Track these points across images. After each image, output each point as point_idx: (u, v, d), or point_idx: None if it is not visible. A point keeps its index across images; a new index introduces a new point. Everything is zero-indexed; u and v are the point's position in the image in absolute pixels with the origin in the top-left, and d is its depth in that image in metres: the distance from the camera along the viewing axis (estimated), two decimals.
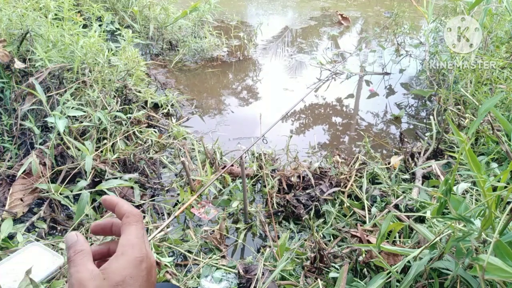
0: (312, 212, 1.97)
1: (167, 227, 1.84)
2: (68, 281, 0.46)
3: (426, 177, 2.15)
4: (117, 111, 2.49)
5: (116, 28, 3.91)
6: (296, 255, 1.70)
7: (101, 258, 0.54)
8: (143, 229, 0.53)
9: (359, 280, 1.42)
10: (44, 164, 2.04)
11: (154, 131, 2.64)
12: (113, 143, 2.36)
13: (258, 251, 1.81)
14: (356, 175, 2.20)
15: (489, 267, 0.91)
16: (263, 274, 1.56)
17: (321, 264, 1.57)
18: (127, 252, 0.49)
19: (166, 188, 2.18)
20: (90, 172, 2.04)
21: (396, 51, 4.38)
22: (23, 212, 1.92)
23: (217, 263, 1.68)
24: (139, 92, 2.93)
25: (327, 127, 3.02)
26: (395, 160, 2.29)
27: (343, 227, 1.86)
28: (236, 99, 3.42)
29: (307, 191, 2.06)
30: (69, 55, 2.48)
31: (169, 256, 1.73)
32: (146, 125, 2.73)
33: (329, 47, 4.78)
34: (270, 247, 1.75)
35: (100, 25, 2.81)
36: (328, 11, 6.44)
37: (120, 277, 0.46)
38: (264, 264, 1.62)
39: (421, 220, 1.80)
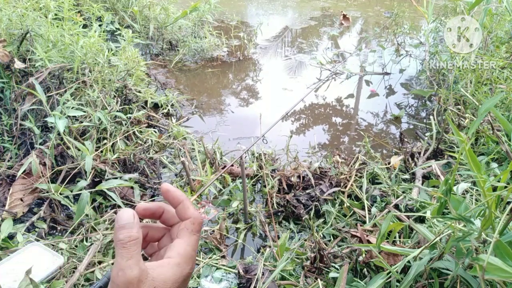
0: (312, 212, 1.97)
1: None
2: (114, 272, 0.42)
3: (426, 177, 2.15)
4: (117, 111, 2.49)
5: (116, 28, 3.91)
6: (296, 255, 1.70)
7: None
8: None
9: (359, 280, 1.42)
10: (44, 164, 2.04)
11: (154, 131, 2.64)
12: (113, 143, 2.36)
13: (258, 251, 1.81)
14: (356, 175, 2.20)
15: (489, 267, 0.91)
16: (263, 274, 1.56)
17: (321, 264, 1.57)
18: (182, 265, 0.46)
19: None
20: (90, 172, 2.04)
21: (396, 51, 4.38)
22: (23, 212, 1.92)
23: (217, 263, 1.68)
24: (139, 92, 2.93)
25: (327, 127, 3.02)
26: (395, 160, 2.29)
27: (343, 227, 1.85)
28: (236, 99, 3.42)
29: (307, 191, 2.06)
30: (69, 55, 2.48)
31: None
32: (146, 125, 2.73)
33: (329, 47, 4.77)
34: (270, 247, 1.75)
35: (100, 25, 2.81)
36: (328, 11, 6.44)
37: None
38: (264, 264, 1.62)
39: (421, 220, 1.80)
